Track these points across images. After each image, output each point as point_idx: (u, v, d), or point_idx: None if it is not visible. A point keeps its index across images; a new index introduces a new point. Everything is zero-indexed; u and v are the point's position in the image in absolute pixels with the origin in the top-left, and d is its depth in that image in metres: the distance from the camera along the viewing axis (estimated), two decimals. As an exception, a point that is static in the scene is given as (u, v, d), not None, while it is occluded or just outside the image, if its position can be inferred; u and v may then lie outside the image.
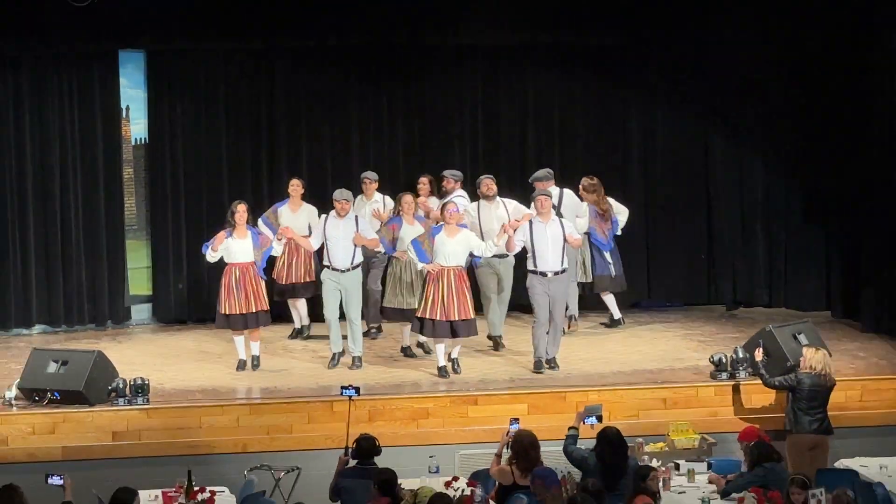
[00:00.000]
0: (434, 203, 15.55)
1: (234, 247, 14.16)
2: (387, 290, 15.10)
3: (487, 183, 15.05)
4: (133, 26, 16.13)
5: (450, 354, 14.21)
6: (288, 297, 15.72)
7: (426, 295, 14.00)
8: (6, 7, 15.47)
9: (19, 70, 16.20)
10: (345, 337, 14.51)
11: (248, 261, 14.19)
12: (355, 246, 14.33)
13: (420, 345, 15.07)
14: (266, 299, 14.39)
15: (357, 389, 12.47)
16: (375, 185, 15.61)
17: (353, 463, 11.30)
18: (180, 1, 15.91)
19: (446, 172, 15.61)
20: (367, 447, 11.25)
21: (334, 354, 14.48)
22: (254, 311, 14.21)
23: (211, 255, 14.29)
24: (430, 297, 13.94)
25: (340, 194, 14.42)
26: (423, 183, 15.80)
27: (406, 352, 15.03)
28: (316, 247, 14.60)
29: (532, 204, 14.43)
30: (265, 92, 16.90)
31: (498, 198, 15.03)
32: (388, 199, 15.61)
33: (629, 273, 16.57)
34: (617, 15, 16.70)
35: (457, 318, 13.90)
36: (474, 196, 15.21)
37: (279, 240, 14.47)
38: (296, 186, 15.52)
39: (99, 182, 16.62)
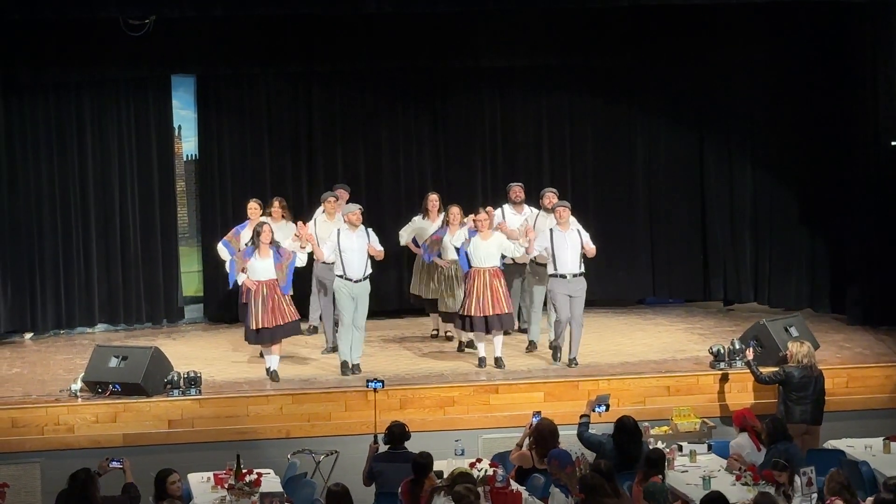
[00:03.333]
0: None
1: (258, 265, 13.64)
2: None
3: (549, 196, 14.84)
4: (184, 54, 16.15)
5: (493, 353, 13.94)
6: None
7: (467, 294, 13.80)
8: (71, 39, 15.46)
9: (82, 95, 16.18)
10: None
11: (272, 278, 13.63)
12: (368, 257, 13.94)
13: (464, 340, 14.79)
14: (292, 311, 13.75)
15: (382, 382, 12.43)
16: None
17: (384, 448, 11.25)
18: (226, 31, 15.90)
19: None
20: (398, 433, 11.20)
21: (345, 362, 13.82)
22: (281, 323, 13.63)
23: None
24: (470, 296, 13.75)
25: (349, 208, 14.07)
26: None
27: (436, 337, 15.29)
28: (328, 258, 14.02)
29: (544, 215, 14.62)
30: (303, 111, 16.85)
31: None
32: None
33: (635, 273, 16.67)
34: (621, 41, 16.63)
35: (492, 313, 13.73)
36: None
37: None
38: (254, 210, 14.67)
39: (154, 194, 16.61)
